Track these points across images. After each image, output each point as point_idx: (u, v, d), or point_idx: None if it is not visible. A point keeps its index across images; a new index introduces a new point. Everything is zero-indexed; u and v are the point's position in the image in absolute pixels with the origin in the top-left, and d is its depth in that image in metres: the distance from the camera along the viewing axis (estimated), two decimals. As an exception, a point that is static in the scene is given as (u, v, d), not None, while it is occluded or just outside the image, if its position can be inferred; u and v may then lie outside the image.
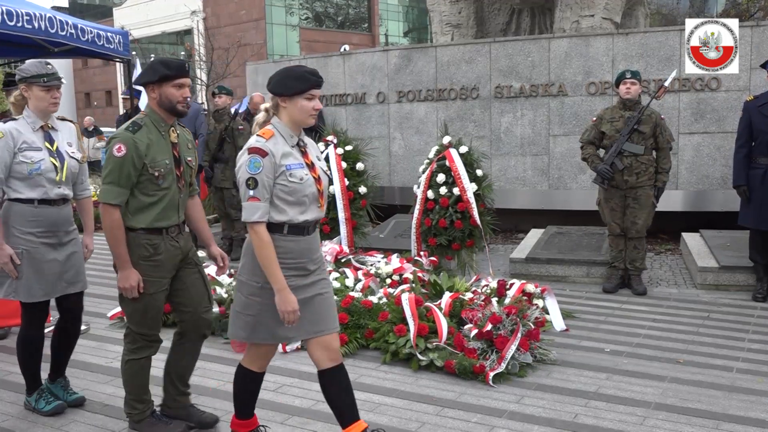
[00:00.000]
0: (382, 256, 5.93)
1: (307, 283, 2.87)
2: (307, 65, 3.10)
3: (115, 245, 3.09)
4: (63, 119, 3.75)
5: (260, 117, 2.91)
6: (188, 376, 3.43)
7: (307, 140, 2.95)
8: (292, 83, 2.78)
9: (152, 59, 3.18)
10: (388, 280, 5.29)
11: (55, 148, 3.57)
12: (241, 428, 3.11)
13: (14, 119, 3.56)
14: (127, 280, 3.11)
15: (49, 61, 3.62)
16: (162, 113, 3.15)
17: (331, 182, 2.80)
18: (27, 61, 3.60)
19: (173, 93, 3.09)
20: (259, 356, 3.00)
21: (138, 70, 9.57)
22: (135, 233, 3.12)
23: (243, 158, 2.77)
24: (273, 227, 2.79)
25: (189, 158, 3.31)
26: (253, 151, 2.75)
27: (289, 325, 2.79)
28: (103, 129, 18.17)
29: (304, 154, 2.87)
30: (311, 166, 2.87)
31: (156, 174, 3.10)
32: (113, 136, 3.10)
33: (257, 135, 2.80)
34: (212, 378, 4.10)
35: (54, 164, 3.53)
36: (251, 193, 2.73)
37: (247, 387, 3.06)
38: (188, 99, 3.15)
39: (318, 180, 2.87)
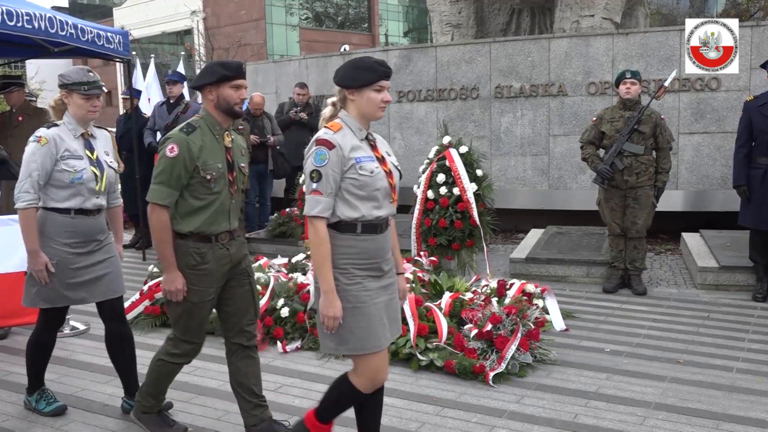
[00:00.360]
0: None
1: (382, 285, 2.74)
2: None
3: (162, 247, 3.02)
4: (99, 127, 3.67)
5: (327, 111, 2.79)
6: (256, 388, 3.24)
7: (376, 135, 2.83)
8: (359, 75, 2.66)
9: (211, 62, 3.11)
10: (388, 280, 5.28)
11: (95, 156, 3.50)
12: (317, 430, 2.92)
13: (56, 124, 3.48)
14: (172, 283, 3.04)
15: (90, 68, 3.56)
16: (218, 116, 3.08)
17: (401, 177, 2.70)
18: (70, 68, 3.55)
19: (231, 94, 3.03)
20: (374, 371, 2.73)
21: (138, 71, 9.59)
22: (183, 240, 3.05)
23: (310, 150, 2.66)
24: (346, 227, 2.66)
25: (242, 164, 3.23)
26: (320, 142, 2.63)
27: (328, 331, 2.64)
28: (103, 129, 18.15)
29: (373, 147, 2.75)
30: (381, 160, 2.75)
31: (207, 177, 3.02)
32: (167, 136, 3.05)
33: (325, 127, 2.69)
34: (212, 378, 4.10)
35: (95, 173, 3.47)
36: (314, 185, 2.61)
37: (350, 401, 2.86)
38: (245, 101, 3.12)
39: (389, 174, 2.75)
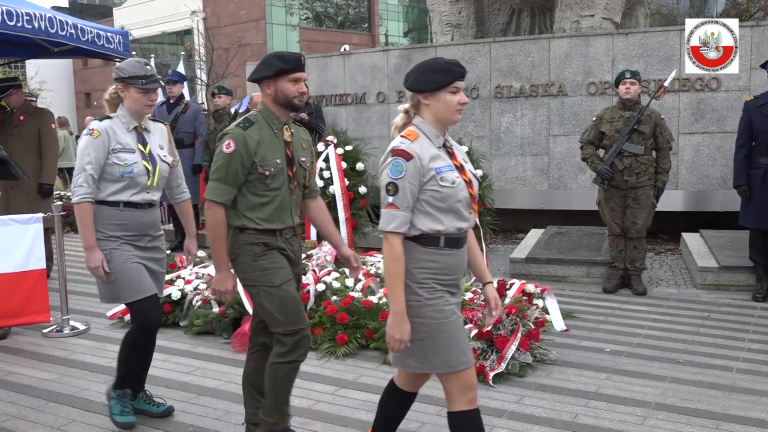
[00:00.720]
0: (382, 256, 5.92)
1: (459, 302, 2.59)
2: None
3: (216, 245, 2.91)
4: (155, 120, 3.57)
5: (398, 120, 2.62)
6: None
7: (452, 141, 2.64)
8: (434, 77, 2.49)
9: (269, 54, 2.96)
10: (388, 280, 5.28)
11: (147, 150, 3.41)
12: None
13: (109, 117, 3.39)
14: (223, 283, 2.95)
15: (147, 61, 3.45)
16: (276, 110, 2.97)
17: (480, 186, 2.52)
18: (126, 60, 3.42)
19: (289, 88, 2.91)
20: (463, 388, 2.54)
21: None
22: (248, 232, 2.93)
23: (386, 161, 2.49)
24: (429, 240, 2.48)
25: (303, 158, 3.07)
26: (396, 153, 2.45)
27: (395, 353, 2.49)
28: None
29: (451, 155, 2.56)
30: (461, 169, 2.56)
31: (266, 173, 2.90)
32: (224, 132, 2.95)
33: (401, 136, 2.51)
34: (212, 378, 4.10)
35: (146, 168, 3.37)
36: (390, 199, 2.44)
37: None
38: (304, 94, 2.98)
39: (469, 183, 2.56)
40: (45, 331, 5.04)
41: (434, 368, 2.51)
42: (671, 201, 7.48)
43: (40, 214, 4.93)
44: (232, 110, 8.37)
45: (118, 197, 3.34)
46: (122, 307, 5.27)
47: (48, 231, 5.69)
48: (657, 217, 6.27)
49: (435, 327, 2.47)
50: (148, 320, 3.35)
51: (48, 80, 33.52)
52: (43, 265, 4.86)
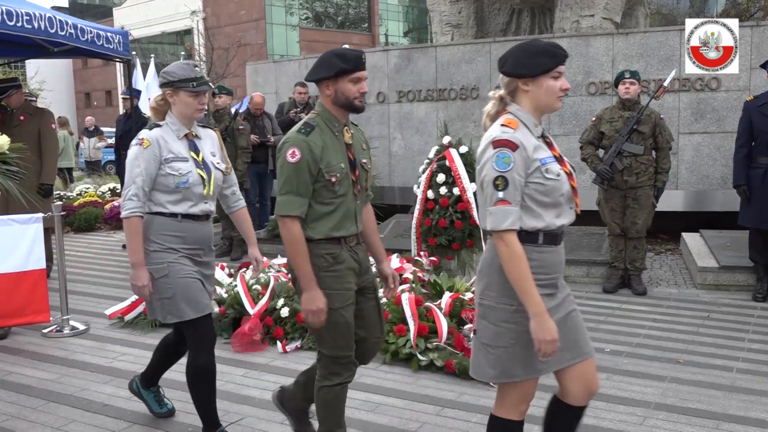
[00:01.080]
0: (482, 258, 5.90)
1: (558, 302, 2.38)
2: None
3: (298, 262, 2.70)
4: (204, 126, 3.36)
5: (491, 107, 2.42)
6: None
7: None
8: (536, 60, 2.30)
9: (328, 52, 2.77)
10: (388, 280, 5.28)
11: (201, 158, 3.18)
12: None
13: (158, 125, 3.16)
14: (313, 302, 2.69)
15: (196, 62, 3.22)
16: (336, 111, 2.78)
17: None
18: (173, 64, 3.19)
19: (350, 88, 2.73)
20: (520, 399, 2.40)
21: (138, 71, 9.58)
22: (313, 243, 2.74)
23: (487, 153, 2.29)
24: (528, 237, 2.29)
25: (364, 160, 2.89)
26: (500, 143, 2.25)
27: (544, 358, 2.27)
28: (103, 129, 18.19)
29: (550, 146, 2.39)
30: (560, 160, 2.39)
31: (332, 180, 2.71)
32: (284, 140, 2.74)
33: (501, 125, 2.32)
34: (212, 378, 4.10)
35: (201, 176, 3.15)
36: (500, 195, 2.23)
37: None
38: (365, 94, 2.80)
39: (570, 175, 2.38)
40: (45, 331, 5.04)
41: (515, 376, 2.33)
42: (671, 201, 7.48)
43: (40, 214, 4.93)
44: (233, 110, 8.36)
45: (174, 209, 3.12)
46: (122, 306, 5.27)
47: (48, 231, 5.69)
48: (657, 217, 6.27)
49: (521, 335, 2.29)
50: (206, 340, 3.14)
51: (48, 80, 33.50)
52: (43, 265, 4.86)
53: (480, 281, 2.42)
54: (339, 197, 2.76)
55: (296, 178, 2.68)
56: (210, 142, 3.31)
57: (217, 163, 3.29)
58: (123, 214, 3.07)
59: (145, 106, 9.66)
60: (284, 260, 5.72)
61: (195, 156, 3.17)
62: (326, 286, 2.73)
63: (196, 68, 3.15)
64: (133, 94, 8.18)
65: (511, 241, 2.24)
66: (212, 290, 3.35)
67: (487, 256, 2.40)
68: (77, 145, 19.85)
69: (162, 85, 3.14)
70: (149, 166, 3.06)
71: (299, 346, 4.59)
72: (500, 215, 2.24)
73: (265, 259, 3.63)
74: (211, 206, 3.23)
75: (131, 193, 3.05)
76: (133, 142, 3.12)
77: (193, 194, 3.13)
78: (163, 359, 3.49)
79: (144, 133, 3.12)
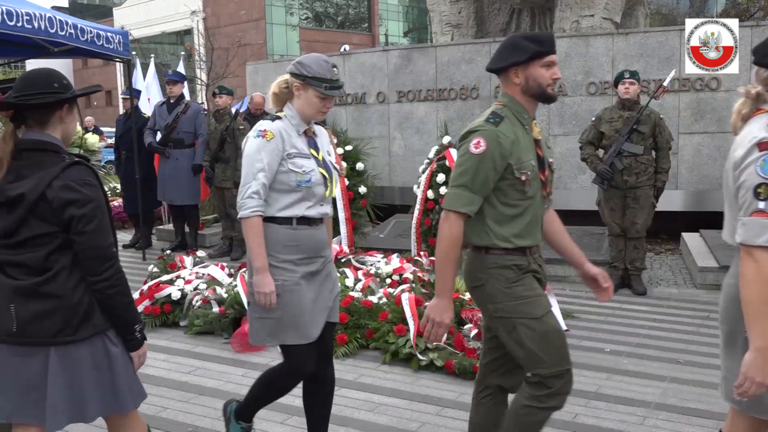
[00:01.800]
0: (382, 256, 5.94)
1: None
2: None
3: (446, 266, 2.41)
4: (317, 123, 3.03)
5: (741, 106, 2.16)
6: None
7: None
8: None
9: (512, 36, 2.53)
10: (388, 280, 5.29)
11: (321, 157, 2.89)
12: None
13: (278, 117, 2.85)
14: (442, 313, 2.43)
15: (335, 63, 2.91)
16: (525, 102, 2.51)
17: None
18: (311, 56, 2.89)
19: (543, 75, 2.48)
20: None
21: (138, 71, 9.60)
22: (495, 254, 2.46)
23: (751, 156, 1.99)
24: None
25: (551, 159, 2.61)
26: (766, 146, 1.97)
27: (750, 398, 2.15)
28: (103, 129, 18.20)
29: None
30: None
31: (523, 178, 2.42)
32: (471, 129, 2.47)
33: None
34: (212, 378, 4.10)
35: (324, 176, 2.85)
36: (761, 205, 1.95)
37: None
38: (557, 80, 2.54)
39: None
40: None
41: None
42: (671, 201, 7.48)
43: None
44: (233, 110, 8.37)
45: (291, 212, 2.79)
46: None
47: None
48: (657, 217, 6.27)
49: None
50: (304, 369, 2.87)
51: (48, 80, 33.45)
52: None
53: (724, 305, 2.27)
54: (528, 199, 2.47)
55: (475, 172, 2.39)
56: (326, 140, 3.02)
57: (334, 163, 2.99)
58: (243, 213, 2.75)
59: (145, 106, 9.67)
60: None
61: (315, 154, 2.87)
62: (521, 296, 2.45)
63: (334, 69, 2.83)
64: (133, 94, 8.18)
65: (763, 260, 1.96)
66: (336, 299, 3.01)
67: (730, 282, 2.18)
68: (77, 145, 19.84)
69: (293, 75, 2.81)
70: (272, 161, 2.74)
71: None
72: (756, 228, 1.97)
73: None
74: (327, 209, 2.93)
75: (252, 191, 2.74)
76: (253, 133, 2.81)
77: (314, 195, 2.83)
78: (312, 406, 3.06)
79: (266, 125, 2.81)
